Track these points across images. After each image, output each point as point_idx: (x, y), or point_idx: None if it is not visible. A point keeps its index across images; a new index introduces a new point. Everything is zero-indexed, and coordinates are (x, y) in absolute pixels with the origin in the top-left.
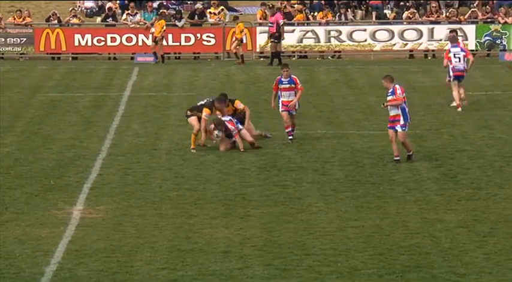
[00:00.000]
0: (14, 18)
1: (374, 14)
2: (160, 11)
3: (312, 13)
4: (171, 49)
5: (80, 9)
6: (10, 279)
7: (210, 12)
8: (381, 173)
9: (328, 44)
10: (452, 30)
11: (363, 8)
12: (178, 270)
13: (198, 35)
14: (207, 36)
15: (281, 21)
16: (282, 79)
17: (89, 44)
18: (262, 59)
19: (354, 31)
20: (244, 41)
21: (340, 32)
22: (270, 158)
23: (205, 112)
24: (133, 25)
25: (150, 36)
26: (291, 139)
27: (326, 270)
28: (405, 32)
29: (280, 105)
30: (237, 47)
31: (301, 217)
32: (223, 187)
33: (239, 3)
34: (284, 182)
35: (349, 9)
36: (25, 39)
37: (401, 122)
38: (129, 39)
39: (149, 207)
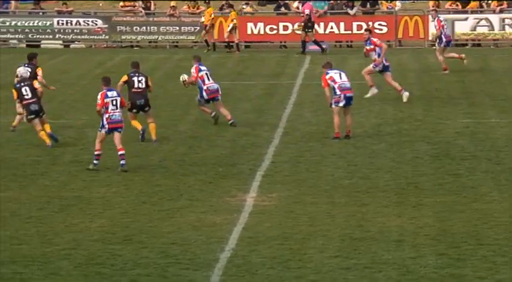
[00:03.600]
0: (189, 7)
1: None
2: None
3: (486, 0)
4: (343, 37)
5: None
6: (185, 264)
7: None
8: None
9: (503, 32)
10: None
11: None
12: (351, 259)
13: (370, 23)
14: (378, 25)
15: (307, 11)
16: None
17: (261, 32)
18: (434, 47)
19: None
20: (228, 29)
21: None
22: (443, 147)
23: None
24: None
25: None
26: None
27: (501, 261)
28: None
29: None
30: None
31: (474, 206)
32: (396, 176)
33: None
34: (457, 171)
35: None
36: (199, 27)
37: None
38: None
39: (321, 195)
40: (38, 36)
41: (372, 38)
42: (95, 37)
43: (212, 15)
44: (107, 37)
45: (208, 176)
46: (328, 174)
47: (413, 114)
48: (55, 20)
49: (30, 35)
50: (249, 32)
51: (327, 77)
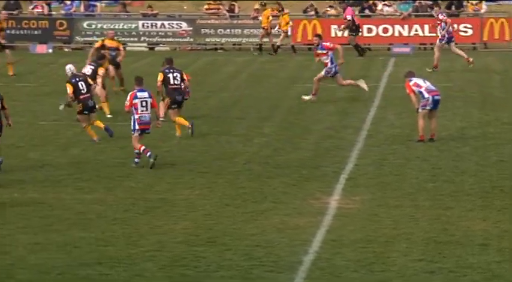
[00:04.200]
0: (272, 10)
1: None
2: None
3: None
4: (428, 40)
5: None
6: (269, 267)
7: (468, 1)
8: None
9: None
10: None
11: None
12: (435, 262)
13: (455, 25)
14: (464, 27)
15: (349, 17)
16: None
17: (346, 35)
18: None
19: None
20: (289, 33)
21: None
22: None
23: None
24: (389, 16)
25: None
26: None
27: None
28: None
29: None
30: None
31: None
32: (480, 179)
33: None
34: None
35: None
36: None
37: None
38: (385, 30)
39: (405, 198)
40: (123, 39)
41: (324, 43)
42: (180, 40)
43: (270, 18)
44: (191, 40)
45: (292, 178)
46: (412, 177)
47: (499, 118)
48: (140, 22)
49: (115, 38)
50: (332, 34)
51: (411, 83)
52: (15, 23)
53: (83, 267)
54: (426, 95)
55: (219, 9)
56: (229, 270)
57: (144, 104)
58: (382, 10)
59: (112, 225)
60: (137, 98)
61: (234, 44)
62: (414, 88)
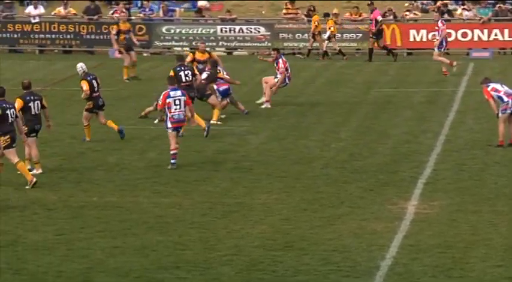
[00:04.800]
0: (351, 14)
1: None
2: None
3: None
4: (508, 44)
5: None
6: (346, 272)
7: None
8: None
9: None
10: None
11: None
12: None
13: None
14: None
15: (379, 18)
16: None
17: (424, 39)
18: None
19: None
20: (325, 37)
21: None
22: None
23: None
24: (468, 20)
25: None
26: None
27: None
28: None
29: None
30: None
31: None
32: None
33: None
34: None
35: None
36: (361, 35)
37: None
38: (464, 35)
39: (484, 204)
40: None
41: (282, 59)
42: (258, 44)
43: (316, 23)
44: (269, 44)
45: (369, 183)
46: (491, 182)
47: None
48: (218, 27)
49: (194, 43)
50: (411, 39)
51: (489, 89)
52: (94, 28)
53: (160, 271)
54: (506, 99)
55: (297, 13)
56: (306, 275)
57: (177, 102)
58: (461, 15)
59: (189, 229)
60: (170, 97)
61: (311, 49)
62: (492, 93)
